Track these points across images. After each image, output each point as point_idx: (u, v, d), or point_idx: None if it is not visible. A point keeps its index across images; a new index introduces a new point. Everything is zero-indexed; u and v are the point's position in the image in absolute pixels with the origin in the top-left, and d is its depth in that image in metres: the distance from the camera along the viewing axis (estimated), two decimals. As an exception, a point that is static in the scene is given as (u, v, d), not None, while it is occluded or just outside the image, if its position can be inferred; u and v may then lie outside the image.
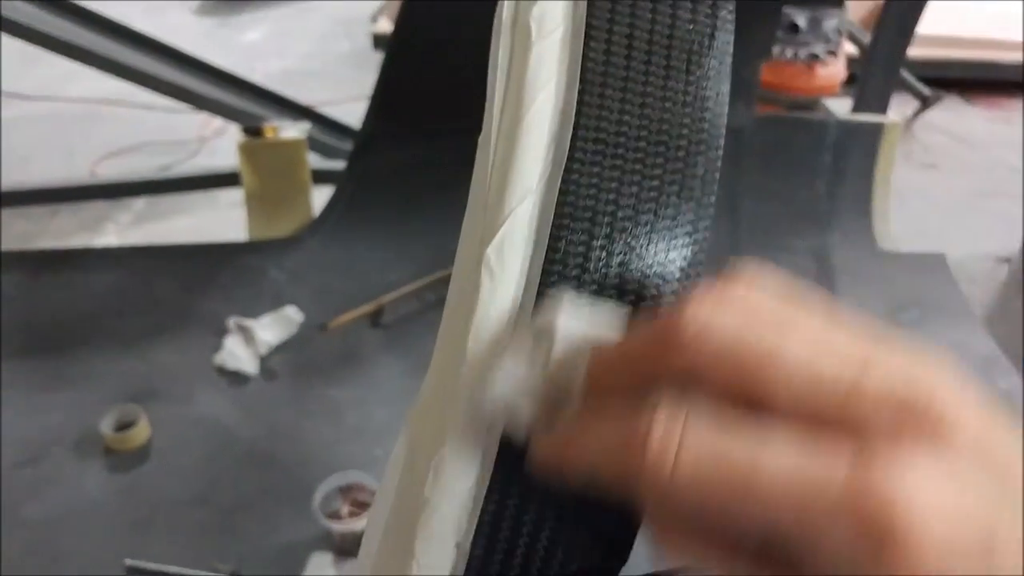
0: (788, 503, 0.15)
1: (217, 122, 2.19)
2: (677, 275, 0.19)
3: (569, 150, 0.19)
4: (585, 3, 0.20)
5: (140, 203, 1.93)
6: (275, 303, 1.33)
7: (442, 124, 1.42)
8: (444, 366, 0.19)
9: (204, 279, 1.43)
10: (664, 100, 0.19)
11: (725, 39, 0.20)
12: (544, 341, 0.18)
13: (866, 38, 1.83)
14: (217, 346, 1.26)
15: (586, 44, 0.19)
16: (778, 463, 0.15)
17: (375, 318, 1.34)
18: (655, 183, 0.19)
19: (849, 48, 1.87)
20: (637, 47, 0.19)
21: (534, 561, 0.19)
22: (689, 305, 0.17)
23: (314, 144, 1.61)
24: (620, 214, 0.19)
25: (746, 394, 0.16)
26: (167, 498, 1.05)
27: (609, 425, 0.17)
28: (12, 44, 1.50)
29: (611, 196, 0.19)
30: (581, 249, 0.19)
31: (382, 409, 1.18)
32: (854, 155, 1.59)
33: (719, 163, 0.20)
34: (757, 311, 0.16)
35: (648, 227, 0.19)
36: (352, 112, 1.84)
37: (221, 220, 1.82)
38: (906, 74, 2.28)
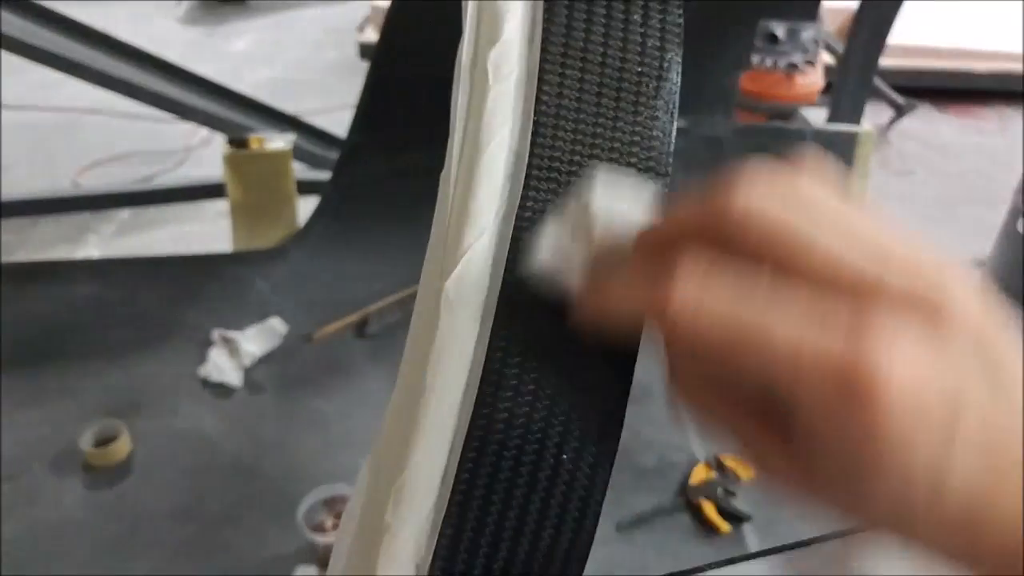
0: (787, 362, 0.16)
1: (203, 132, 2.19)
2: None
3: (523, 188, 0.20)
4: (539, 49, 0.21)
5: (124, 214, 1.93)
6: (260, 314, 1.33)
7: (427, 134, 1.42)
8: (404, 395, 0.20)
9: (188, 291, 1.43)
10: (613, 140, 0.20)
11: (672, 80, 0.21)
12: (584, 220, 0.19)
13: (842, 48, 1.86)
14: (201, 358, 1.26)
15: (539, 88, 0.20)
16: (786, 327, 0.16)
17: (360, 328, 1.35)
18: None
19: (826, 58, 1.90)
20: (588, 90, 0.20)
21: None
22: (741, 186, 0.18)
23: (300, 154, 1.61)
24: None
25: (775, 271, 0.17)
26: (149, 513, 1.05)
27: (645, 281, 0.18)
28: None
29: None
30: None
31: (367, 420, 1.19)
32: (830, 163, 1.61)
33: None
34: (801, 201, 0.18)
35: None
36: (339, 121, 1.84)
37: (206, 231, 1.81)
38: (881, 83, 2.31)
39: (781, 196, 0.18)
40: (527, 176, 0.20)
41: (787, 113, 1.69)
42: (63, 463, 1.10)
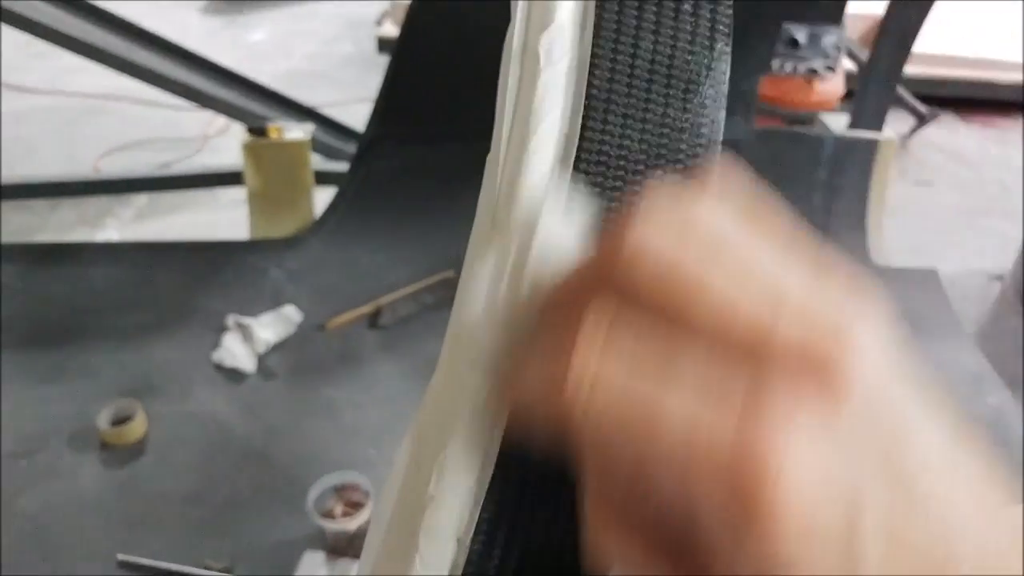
0: (680, 454, 0.14)
1: (221, 120, 2.20)
2: None
3: (572, 171, 0.20)
4: (591, 34, 0.21)
5: (142, 199, 1.95)
6: (274, 302, 1.34)
7: (444, 129, 1.43)
8: (450, 368, 0.20)
9: (204, 277, 1.44)
10: (663, 126, 0.21)
11: (721, 70, 0.22)
12: (518, 248, 0.19)
13: (864, 55, 1.85)
14: (216, 343, 1.27)
15: (591, 73, 0.21)
16: (679, 409, 0.14)
17: (373, 319, 1.35)
18: None
19: (847, 64, 1.89)
20: (638, 76, 0.21)
21: (530, 556, 0.20)
22: (632, 224, 0.16)
23: (317, 145, 1.62)
24: None
25: (672, 322, 0.15)
26: (162, 493, 1.06)
27: (544, 359, 0.16)
28: (17, 37, 1.51)
29: (612, 213, 0.20)
30: None
31: (378, 410, 1.20)
32: (850, 170, 1.60)
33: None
34: (697, 232, 0.15)
35: None
36: (356, 114, 1.85)
37: (222, 218, 1.83)
38: (903, 91, 2.30)
39: (676, 228, 0.15)
40: (577, 159, 0.20)
41: (806, 119, 1.68)
42: (80, 441, 1.11)
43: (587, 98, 0.21)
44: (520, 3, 0.22)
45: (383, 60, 1.60)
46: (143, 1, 2.95)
